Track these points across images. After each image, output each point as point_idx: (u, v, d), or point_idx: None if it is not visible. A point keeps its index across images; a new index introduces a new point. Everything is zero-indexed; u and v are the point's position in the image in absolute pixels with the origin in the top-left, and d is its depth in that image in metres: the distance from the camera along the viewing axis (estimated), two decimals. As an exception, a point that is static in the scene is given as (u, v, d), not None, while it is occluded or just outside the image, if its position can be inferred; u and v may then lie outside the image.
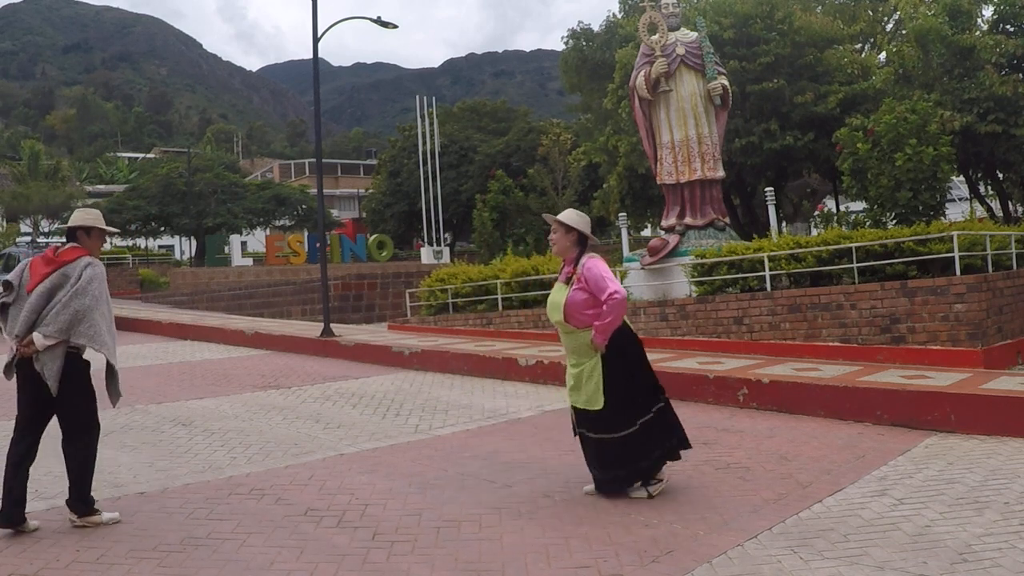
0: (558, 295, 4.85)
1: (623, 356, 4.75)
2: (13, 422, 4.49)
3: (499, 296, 14.02)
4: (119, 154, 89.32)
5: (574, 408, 4.86)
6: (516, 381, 9.36)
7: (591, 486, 4.85)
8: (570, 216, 4.91)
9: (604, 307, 4.61)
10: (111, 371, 4.73)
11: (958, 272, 8.97)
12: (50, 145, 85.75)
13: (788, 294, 10.14)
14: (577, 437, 4.95)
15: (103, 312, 4.51)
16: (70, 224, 4.71)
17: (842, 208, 26.58)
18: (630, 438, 4.68)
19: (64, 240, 4.82)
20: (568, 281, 4.83)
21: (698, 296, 11.29)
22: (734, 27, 18.74)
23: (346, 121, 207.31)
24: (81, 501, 4.37)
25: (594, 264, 4.79)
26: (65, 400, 4.39)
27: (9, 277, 4.57)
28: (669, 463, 4.88)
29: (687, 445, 4.90)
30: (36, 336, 4.28)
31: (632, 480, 4.75)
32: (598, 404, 4.68)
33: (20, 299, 4.46)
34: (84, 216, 4.72)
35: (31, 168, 45.93)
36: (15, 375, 4.45)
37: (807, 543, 3.89)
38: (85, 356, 4.57)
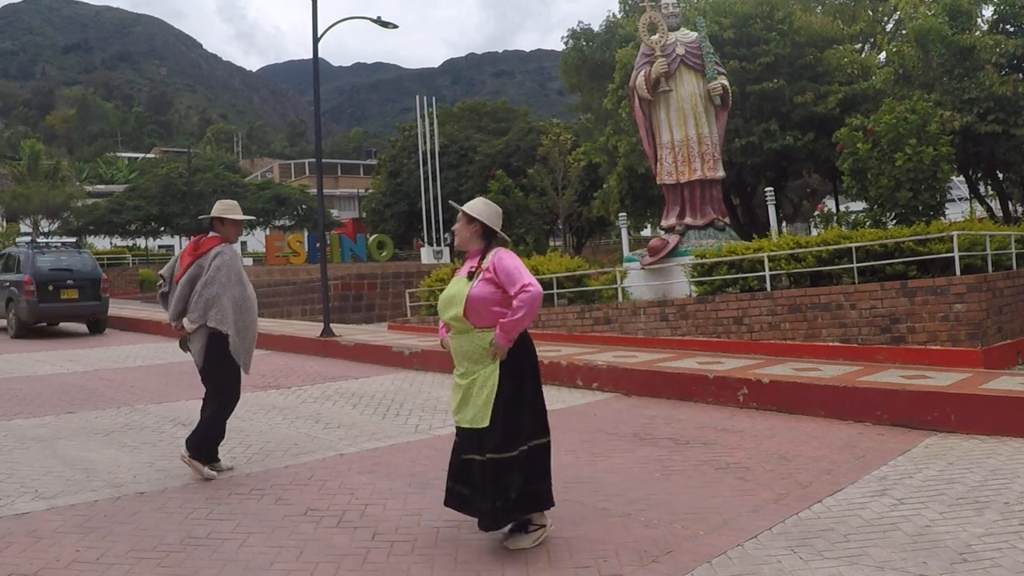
0: (458, 288, 4.07)
1: (521, 368, 4.02)
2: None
3: (499, 296, 14.00)
4: (119, 154, 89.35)
5: (459, 429, 4.06)
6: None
7: (499, 534, 4.05)
8: (475, 206, 4.23)
9: (515, 301, 3.90)
10: (234, 345, 5.33)
11: (958, 272, 8.97)
12: (50, 145, 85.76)
13: (788, 294, 10.14)
14: (476, 461, 3.96)
15: (232, 295, 5.28)
16: (211, 215, 5.54)
17: (842, 208, 26.58)
18: (516, 462, 3.91)
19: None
20: (471, 276, 4.08)
21: (698, 296, 11.29)
22: (734, 27, 18.74)
23: (346, 121, 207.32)
24: (195, 447, 5.32)
25: (506, 255, 4.09)
26: (206, 371, 5.39)
27: (163, 271, 5.60)
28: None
29: (547, 503, 4.05)
30: (184, 321, 5.29)
31: (509, 515, 3.92)
32: (484, 422, 3.91)
33: (173, 289, 5.42)
34: (218, 207, 5.54)
35: (31, 168, 45.92)
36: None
37: (807, 543, 3.89)
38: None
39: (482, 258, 4.13)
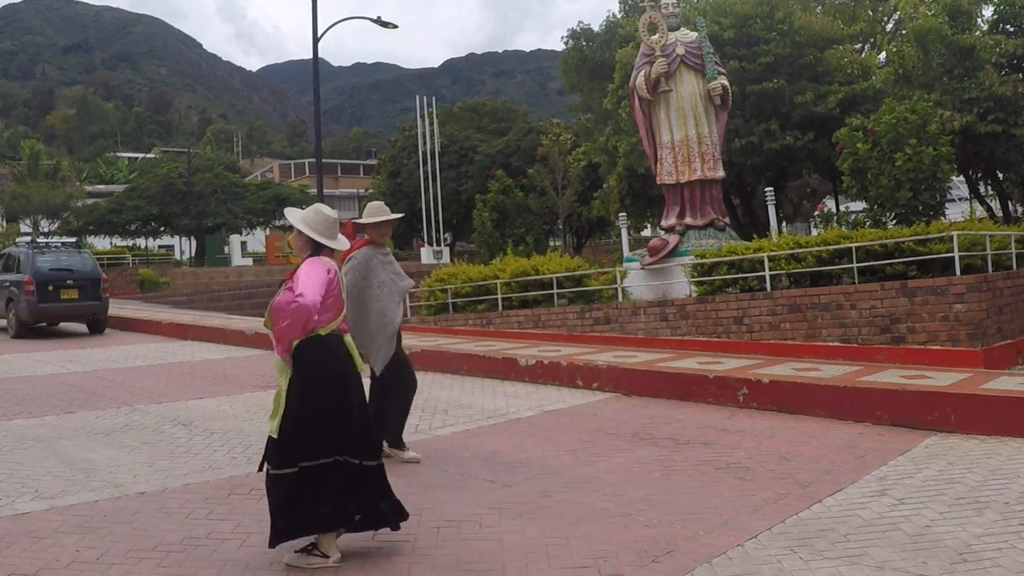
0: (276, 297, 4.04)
1: (312, 380, 3.84)
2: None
3: (499, 296, 14.01)
4: (119, 154, 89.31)
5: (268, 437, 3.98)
6: (516, 381, 9.36)
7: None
8: (304, 216, 4.11)
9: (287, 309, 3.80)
10: (358, 346, 5.10)
11: (958, 272, 8.97)
12: (50, 145, 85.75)
13: (788, 294, 10.14)
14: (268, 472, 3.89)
15: (358, 297, 5.56)
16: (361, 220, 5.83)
17: (842, 208, 26.58)
18: (292, 479, 3.74)
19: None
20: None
21: (698, 296, 11.29)
22: (734, 27, 18.74)
23: (346, 121, 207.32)
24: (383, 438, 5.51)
25: (308, 265, 3.94)
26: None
27: None
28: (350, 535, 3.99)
29: (382, 523, 3.94)
30: None
31: (289, 532, 3.75)
32: (273, 431, 3.85)
33: None
34: (366, 212, 5.77)
35: (31, 168, 45.89)
36: None
37: (807, 543, 3.89)
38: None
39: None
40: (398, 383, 5.89)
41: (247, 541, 4.09)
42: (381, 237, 5.77)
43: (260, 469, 3.97)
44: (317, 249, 4.07)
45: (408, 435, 6.66)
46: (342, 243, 4.19)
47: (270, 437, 3.89)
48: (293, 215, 4.14)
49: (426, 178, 41.43)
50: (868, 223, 13.46)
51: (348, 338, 4.13)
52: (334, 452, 3.83)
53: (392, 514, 3.98)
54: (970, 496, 4.50)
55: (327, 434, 3.83)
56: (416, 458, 5.78)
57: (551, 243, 37.16)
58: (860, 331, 9.41)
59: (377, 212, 5.73)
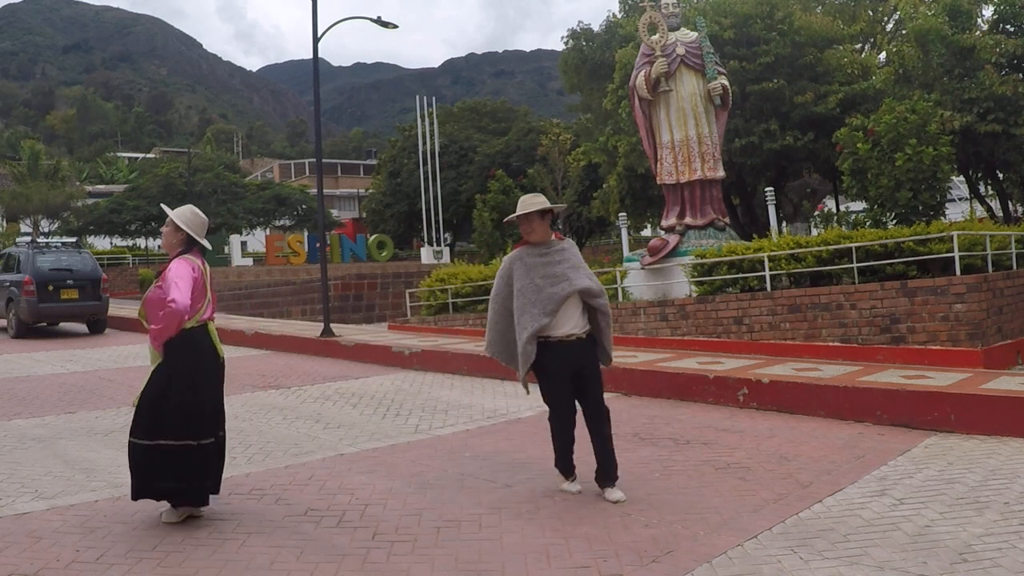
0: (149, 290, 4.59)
1: (175, 370, 4.34)
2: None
3: (499, 296, 13.99)
4: (119, 154, 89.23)
5: None
6: (516, 381, 9.33)
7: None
8: (181, 214, 4.58)
9: (161, 312, 4.30)
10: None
11: (958, 272, 8.97)
12: (50, 145, 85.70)
13: (788, 294, 10.14)
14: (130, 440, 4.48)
15: (502, 306, 5.02)
16: (559, 207, 5.35)
17: (842, 208, 26.57)
18: (146, 450, 4.32)
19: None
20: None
21: (698, 296, 11.29)
22: (734, 27, 18.73)
23: (346, 121, 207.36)
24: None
25: (176, 265, 4.42)
26: None
27: None
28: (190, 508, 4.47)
29: (197, 498, 4.41)
30: None
31: (136, 493, 4.37)
32: (135, 401, 4.45)
33: None
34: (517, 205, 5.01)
35: (31, 168, 45.87)
36: None
37: (807, 543, 3.89)
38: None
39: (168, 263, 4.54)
40: (551, 407, 4.97)
41: (247, 541, 4.09)
42: (530, 234, 4.88)
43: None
44: (189, 246, 4.55)
45: (408, 435, 6.67)
46: (207, 243, 4.68)
47: (135, 408, 4.44)
48: (180, 215, 4.58)
49: (426, 178, 41.42)
50: (868, 223, 13.45)
51: (212, 326, 4.60)
52: (186, 436, 4.35)
53: (212, 490, 4.53)
54: (970, 496, 4.50)
55: (183, 420, 4.34)
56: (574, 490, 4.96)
57: (551, 243, 37.08)
58: (860, 331, 9.41)
59: (522, 206, 4.89)
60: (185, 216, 4.57)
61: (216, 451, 4.55)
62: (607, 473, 4.76)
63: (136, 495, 4.40)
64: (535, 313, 4.66)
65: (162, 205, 4.83)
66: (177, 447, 4.33)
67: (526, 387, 4.92)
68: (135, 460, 4.38)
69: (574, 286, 4.72)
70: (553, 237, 4.92)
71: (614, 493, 4.69)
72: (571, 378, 4.75)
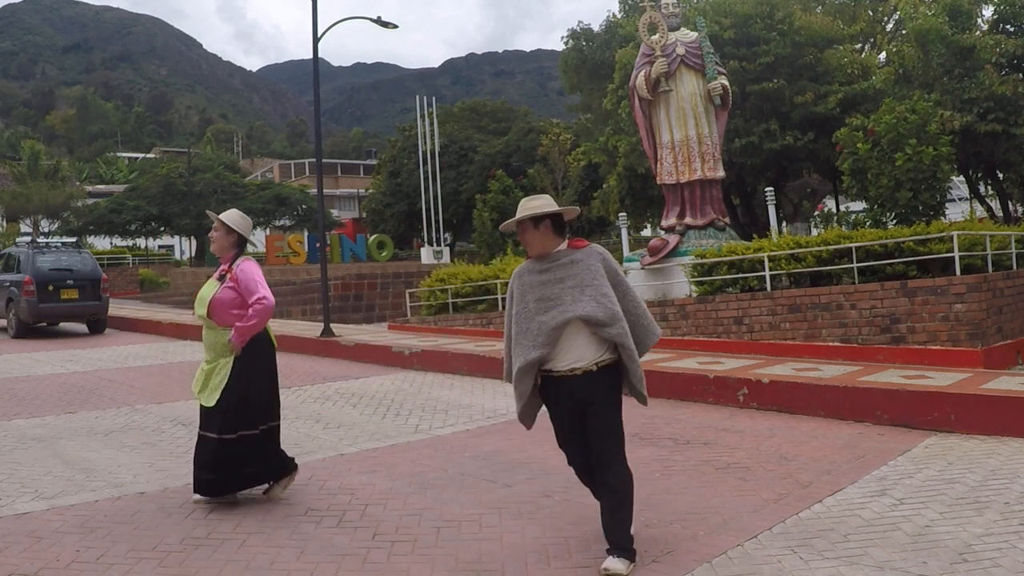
0: (208, 290, 4.80)
1: (253, 364, 4.70)
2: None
3: (499, 296, 14.01)
4: (119, 154, 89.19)
5: (201, 406, 4.79)
6: (516, 381, 9.34)
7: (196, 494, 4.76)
8: (232, 217, 4.89)
9: (250, 310, 4.62)
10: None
11: (958, 272, 8.97)
12: (50, 145, 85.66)
13: (788, 294, 10.14)
14: (207, 437, 4.73)
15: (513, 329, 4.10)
16: (567, 210, 3.96)
17: (842, 208, 26.56)
18: (228, 444, 4.61)
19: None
20: (222, 278, 4.80)
21: (698, 296, 11.29)
22: (734, 27, 18.73)
23: (346, 121, 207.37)
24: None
25: (249, 266, 4.79)
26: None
27: None
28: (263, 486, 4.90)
29: (283, 472, 4.89)
30: None
31: (221, 488, 4.68)
32: (212, 402, 4.65)
33: None
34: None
35: (31, 168, 45.85)
36: None
37: (807, 543, 3.88)
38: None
39: (232, 262, 4.81)
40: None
41: (247, 541, 4.09)
42: (527, 246, 3.94)
43: (199, 430, 4.75)
44: (241, 247, 4.90)
45: (408, 435, 6.67)
46: (255, 243, 4.91)
47: (206, 407, 4.68)
48: (232, 220, 4.86)
49: (426, 178, 41.41)
50: (868, 223, 13.46)
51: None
52: (267, 420, 4.76)
53: (276, 470, 4.86)
54: (970, 496, 4.50)
55: (264, 407, 4.74)
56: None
57: (551, 243, 37.09)
58: (860, 331, 9.41)
59: (519, 211, 3.96)
60: (235, 219, 4.87)
61: (274, 434, 4.90)
62: (608, 538, 3.71)
63: (220, 490, 4.67)
64: (525, 345, 3.79)
65: (208, 212, 5.14)
66: (261, 432, 4.71)
67: (525, 423, 4.09)
68: (219, 455, 4.61)
69: (567, 313, 3.72)
70: (564, 246, 3.90)
71: (612, 564, 3.57)
72: (580, 417, 3.86)
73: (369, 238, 41.71)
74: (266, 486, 4.90)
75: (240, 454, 4.64)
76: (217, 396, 4.63)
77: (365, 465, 5.66)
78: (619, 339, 3.78)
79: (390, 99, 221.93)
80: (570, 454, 4.06)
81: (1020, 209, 21.91)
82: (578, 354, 3.78)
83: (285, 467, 4.90)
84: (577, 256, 3.86)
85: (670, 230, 12.82)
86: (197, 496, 4.72)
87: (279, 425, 4.92)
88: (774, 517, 4.28)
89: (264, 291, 4.64)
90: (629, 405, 4.01)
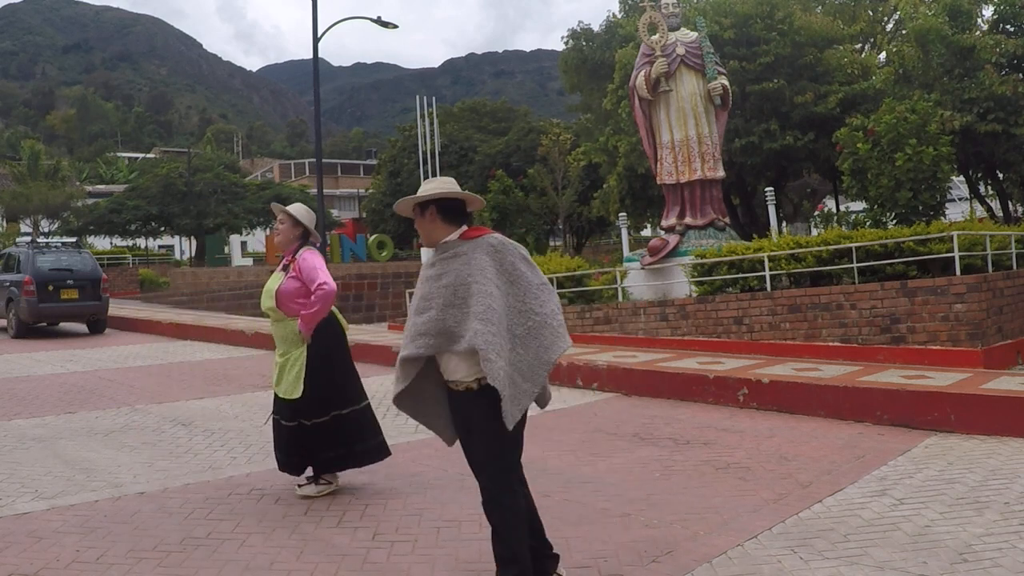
0: (273, 282, 4.93)
1: (326, 350, 4.85)
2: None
3: (499, 296, 14.00)
4: (119, 154, 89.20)
5: (275, 396, 4.95)
6: (516, 381, 9.34)
7: (301, 482, 4.98)
8: (299, 211, 5.02)
9: (312, 297, 4.72)
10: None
11: (958, 272, 8.97)
12: (50, 145, 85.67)
13: (788, 294, 10.13)
14: (284, 425, 4.92)
15: None
16: (458, 194, 3.36)
17: (842, 208, 26.58)
18: (318, 427, 4.81)
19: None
20: (285, 269, 4.93)
21: (698, 296, 11.29)
22: (734, 27, 18.73)
23: (346, 121, 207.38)
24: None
25: (310, 255, 4.90)
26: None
27: None
28: (352, 471, 5.07)
29: (381, 455, 5.02)
30: None
31: (304, 467, 4.92)
32: (296, 394, 4.76)
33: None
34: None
35: (31, 168, 45.85)
36: None
37: (807, 543, 3.88)
38: None
39: (295, 254, 4.91)
40: None
41: (247, 541, 4.09)
42: (422, 232, 3.40)
43: (281, 421, 4.89)
44: (305, 239, 4.99)
45: (408, 435, 6.66)
46: (318, 236, 5.16)
47: (288, 399, 4.80)
48: (297, 211, 4.98)
49: (426, 178, 41.39)
50: (868, 223, 13.46)
51: (333, 307, 4.99)
52: (344, 404, 4.88)
53: (371, 453, 4.98)
54: (970, 496, 4.50)
55: (338, 390, 4.87)
56: None
57: (551, 243, 37.14)
58: (860, 331, 9.41)
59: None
60: (302, 212, 5.00)
61: (359, 418, 4.96)
62: None
63: (299, 468, 4.90)
64: (405, 340, 3.31)
65: (273, 204, 5.20)
66: (339, 417, 4.85)
67: (438, 434, 3.63)
68: (297, 441, 4.81)
69: (433, 319, 3.19)
70: (455, 237, 3.31)
71: None
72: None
73: (369, 238, 41.70)
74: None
75: (320, 438, 4.80)
76: (301, 388, 4.74)
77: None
78: (473, 345, 3.08)
79: (390, 99, 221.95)
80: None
81: (1020, 209, 21.91)
82: (454, 366, 3.22)
83: (374, 454, 4.99)
84: (462, 249, 3.26)
85: (670, 230, 12.82)
86: (300, 491, 4.91)
87: (362, 408, 4.98)
88: (774, 517, 4.28)
89: (325, 277, 4.72)
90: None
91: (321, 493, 4.87)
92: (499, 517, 3.26)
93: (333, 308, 4.97)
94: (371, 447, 4.97)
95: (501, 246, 3.26)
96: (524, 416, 3.27)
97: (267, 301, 4.89)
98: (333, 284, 4.75)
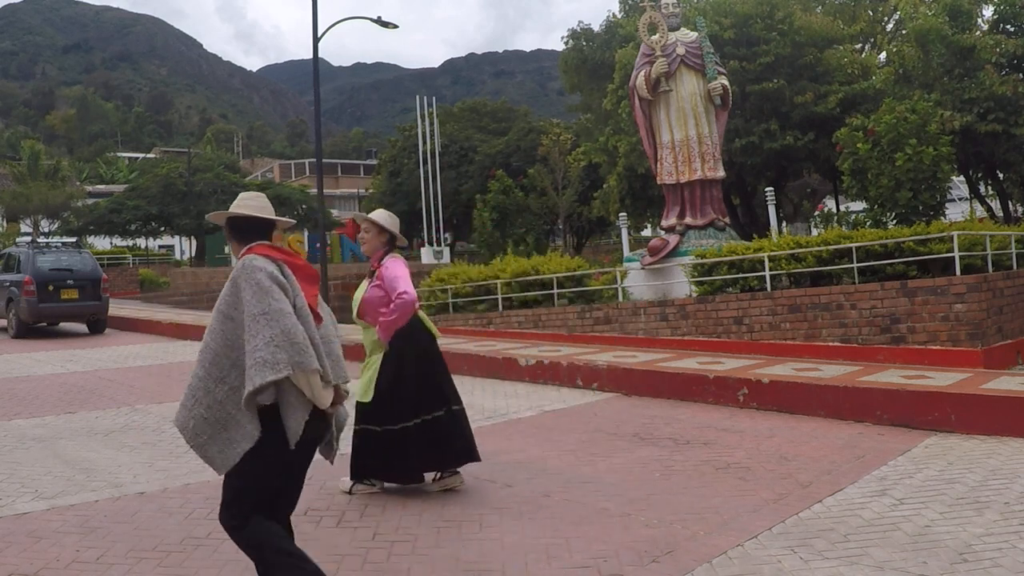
0: (359, 291, 4.97)
1: (403, 357, 4.80)
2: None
3: (499, 296, 14.01)
4: (119, 154, 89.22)
5: (356, 401, 4.85)
6: (516, 381, 9.36)
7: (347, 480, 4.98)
8: (382, 217, 4.99)
9: (391, 305, 4.68)
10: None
11: (958, 272, 8.97)
12: (50, 145, 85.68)
13: (788, 294, 10.13)
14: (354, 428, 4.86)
15: None
16: (265, 215, 3.25)
17: (842, 208, 26.58)
18: (389, 435, 4.74)
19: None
20: (371, 277, 4.95)
21: (698, 296, 11.29)
22: (734, 27, 18.74)
23: (346, 121, 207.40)
24: None
25: (393, 264, 4.84)
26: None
27: (278, 290, 2.95)
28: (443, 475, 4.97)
29: (468, 458, 4.93)
30: (350, 384, 3.30)
31: (384, 475, 4.88)
32: (367, 397, 4.80)
33: (313, 329, 3.04)
34: (262, 203, 3.31)
35: (31, 168, 45.86)
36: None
37: (807, 543, 3.88)
38: None
39: (379, 264, 4.89)
40: None
41: (247, 541, 4.09)
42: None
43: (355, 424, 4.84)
44: (392, 245, 4.96)
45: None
46: (404, 241, 5.09)
47: (360, 402, 4.82)
48: (380, 218, 4.96)
49: (426, 178, 41.41)
50: (868, 223, 13.46)
51: (421, 312, 5.01)
52: (427, 413, 4.80)
53: (461, 456, 4.92)
54: (970, 496, 4.50)
55: (419, 396, 4.79)
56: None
57: (551, 243, 37.16)
58: (860, 331, 9.40)
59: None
60: (385, 218, 4.98)
61: (450, 422, 4.90)
62: None
63: (376, 473, 4.87)
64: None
65: (355, 214, 5.14)
66: (425, 423, 4.78)
67: None
68: (379, 446, 4.74)
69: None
70: (238, 256, 3.15)
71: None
72: None
73: (369, 238, 41.64)
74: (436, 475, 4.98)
75: (410, 444, 4.73)
76: (371, 392, 4.77)
77: (365, 465, 5.65)
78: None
79: (390, 99, 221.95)
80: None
81: (1020, 209, 21.91)
82: None
83: (465, 456, 4.92)
84: (235, 270, 3.05)
85: (670, 230, 12.82)
86: (354, 484, 4.91)
87: (449, 414, 4.88)
88: (774, 517, 4.28)
89: (406, 286, 4.67)
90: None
91: (369, 491, 4.91)
92: (253, 551, 3.03)
93: (421, 314, 4.97)
94: (451, 456, 4.92)
95: (243, 265, 3.00)
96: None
97: (354, 310, 4.94)
98: (414, 293, 4.68)
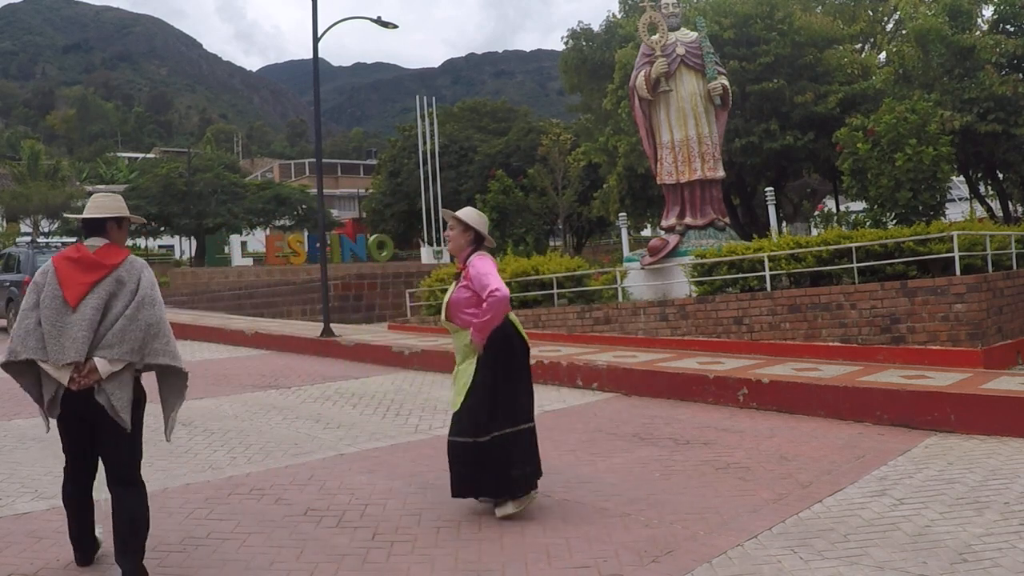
0: (447, 294, 4.73)
1: (497, 362, 4.50)
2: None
3: (499, 296, 14.00)
4: (119, 154, 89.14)
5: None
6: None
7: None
8: (469, 214, 4.74)
9: (484, 304, 4.40)
10: (181, 394, 3.80)
11: (958, 272, 8.97)
12: (50, 145, 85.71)
13: (788, 294, 10.13)
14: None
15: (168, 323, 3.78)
16: (101, 214, 3.69)
17: (842, 208, 26.59)
18: (479, 447, 4.41)
19: (76, 235, 4.84)
20: (458, 278, 4.67)
21: (698, 296, 11.29)
22: (734, 27, 18.75)
23: (346, 121, 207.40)
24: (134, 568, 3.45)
25: (480, 262, 4.58)
26: (124, 439, 3.52)
27: (30, 291, 3.58)
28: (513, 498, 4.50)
29: (532, 481, 4.55)
30: (99, 362, 3.42)
31: (475, 490, 4.50)
32: (457, 406, 4.54)
33: (60, 316, 3.45)
34: (115, 204, 3.76)
35: (31, 168, 45.90)
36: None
37: (807, 543, 3.89)
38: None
39: (464, 263, 4.64)
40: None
41: (247, 541, 4.09)
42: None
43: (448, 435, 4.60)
44: (478, 244, 4.70)
45: (408, 435, 6.67)
46: (492, 240, 4.88)
47: (455, 411, 4.55)
48: (469, 217, 4.71)
49: (426, 178, 41.41)
50: (868, 223, 13.47)
51: (512, 315, 4.68)
52: (523, 420, 4.55)
53: (529, 478, 4.54)
54: (970, 496, 4.50)
55: (515, 404, 4.53)
56: None
57: (551, 243, 37.13)
58: (860, 331, 9.40)
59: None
60: (472, 216, 4.74)
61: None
62: None
63: (466, 491, 4.49)
64: None
65: (443, 211, 4.93)
66: (521, 431, 4.50)
67: None
68: (470, 457, 4.42)
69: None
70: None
71: None
72: None
73: (369, 238, 41.68)
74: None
75: (506, 453, 4.40)
76: (462, 399, 4.49)
77: (365, 465, 5.66)
78: None
79: (390, 99, 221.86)
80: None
81: (1020, 209, 21.93)
82: None
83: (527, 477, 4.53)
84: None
85: (670, 230, 12.82)
86: (502, 511, 4.46)
87: (534, 427, 4.62)
88: (774, 517, 4.28)
89: (496, 283, 4.40)
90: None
91: (520, 508, 4.45)
92: None
93: (511, 316, 4.64)
94: (525, 473, 4.52)
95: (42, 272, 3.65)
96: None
97: (442, 313, 4.71)
98: (505, 289, 4.42)
